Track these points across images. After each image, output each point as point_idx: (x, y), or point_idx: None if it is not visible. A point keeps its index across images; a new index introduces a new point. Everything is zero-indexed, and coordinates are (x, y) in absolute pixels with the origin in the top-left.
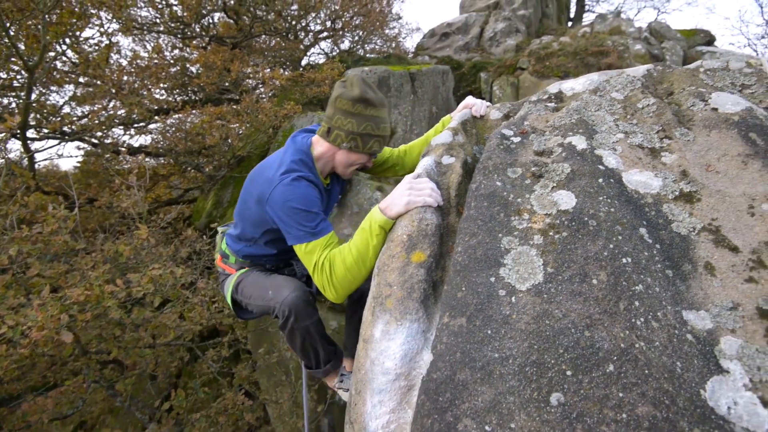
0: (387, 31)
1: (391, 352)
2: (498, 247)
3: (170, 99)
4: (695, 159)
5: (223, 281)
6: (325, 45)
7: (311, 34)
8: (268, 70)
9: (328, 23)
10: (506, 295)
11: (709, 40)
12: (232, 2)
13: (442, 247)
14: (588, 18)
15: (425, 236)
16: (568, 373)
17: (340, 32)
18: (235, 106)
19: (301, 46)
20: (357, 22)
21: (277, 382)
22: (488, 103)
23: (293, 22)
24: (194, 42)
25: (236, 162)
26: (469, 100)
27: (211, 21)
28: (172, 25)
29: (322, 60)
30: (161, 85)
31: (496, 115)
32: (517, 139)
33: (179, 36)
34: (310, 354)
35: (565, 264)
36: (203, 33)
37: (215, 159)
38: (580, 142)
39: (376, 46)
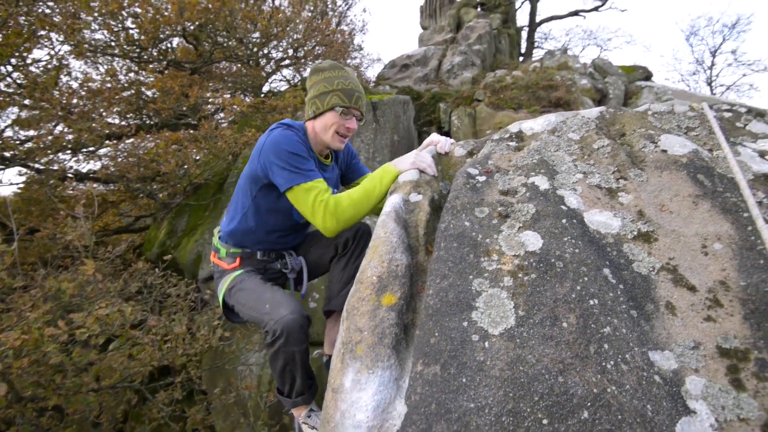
0: (349, 61)
1: (362, 403)
2: (469, 289)
3: (123, 124)
4: (650, 199)
5: (217, 279)
6: (287, 72)
7: (273, 61)
8: (229, 95)
9: (290, 51)
10: (479, 340)
11: (647, 75)
12: (192, 28)
13: (412, 287)
14: (537, 54)
15: (395, 277)
16: (545, 421)
17: (303, 60)
18: (192, 132)
19: (263, 73)
20: (319, 51)
21: (234, 424)
22: (452, 140)
23: (255, 49)
24: (151, 66)
25: (192, 189)
26: (434, 137)
27: (169, 45)
28: (128, 48)
29: (284, 87)
30: (114, 109)
31: (460, 152)
32: (482, 178)
33: (135, 60)
34: (287, 380)
35: (536, 307)
36: (161, 57)
37: (170, 186)
38: (542, 183)
39: None
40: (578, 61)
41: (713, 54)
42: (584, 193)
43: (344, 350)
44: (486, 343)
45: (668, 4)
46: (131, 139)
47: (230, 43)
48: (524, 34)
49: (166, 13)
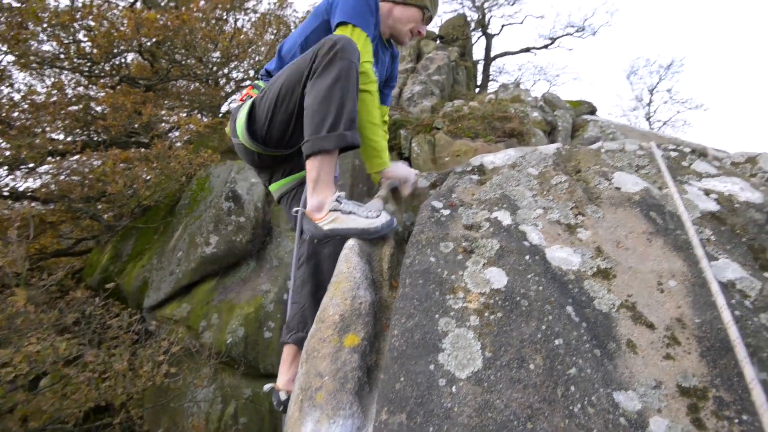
0: None
1: None
2: (435, 330)
3: (68, 140)
4: (607, 235)
5: (238, 108)
6: None
7: (233, 81)
8: (185, 114)
9: (251, 72)
10: (446, 384)
11: (592, 110)
12: (149, 44)
13: (376, 326)
14: (492, 86)
15: (359, 316)
16: None
17: None
18: (144, 151)
19: (222, 93)
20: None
21: None
22: (416, 171)
23: (214, 69)
24: (102, 81)
25: (141, 211)
26: (401, 171)
27: (123, 61)
28: (78, 61)
29: None
30: (59, 124)
31: (424, 184)
32: (446, 212)
33: (85, 74)
34: (333, 102)
35: (503, 348)
36: (113, 72)
37: (116, 207)
38: (505, 218)
39: None
40: (530, 95)
41: (651, 92)
42: (545, 228)
43: (303, 397)
44: (453, 388)
45: (611, 45)
46: (76, 157)
47: (189, 61)
48: (480, 68)
49: (122, 28)
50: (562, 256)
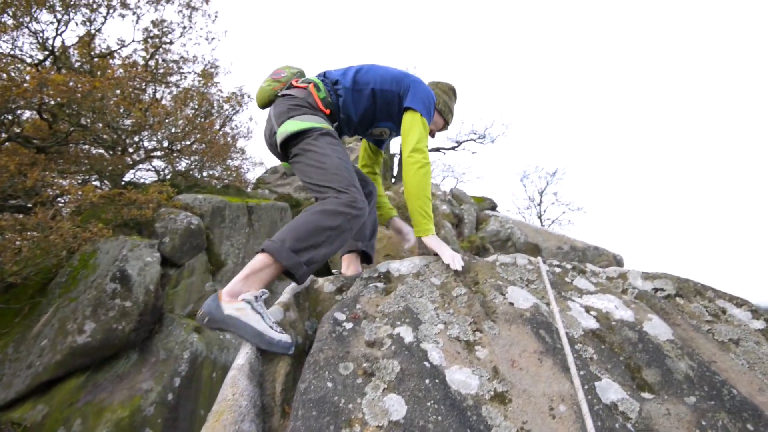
0: (229, 162)
1: None
2: None
3: None
4: (502, 354)
5: (294, 108)
6: (159, 163)
7: (144, 150)
8: (79, 181)
9: (165, 143)
10: None
11: (493, 206)
12: (51, 103)
13: None
14: None
15: None
16: None
17: (177, 155)
18: (22, 217)
19: (129, 160)
20: (198, 149)
21: None
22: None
23: (123, 136)
24: None
25: (4, 288)
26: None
27: (15, 118)
28: None
29: (151, 178)
30: None
31: (330, 288)
32: (349, 326)
33: None
34: (311, 242)
35: None
36: (2, 128)
37: None
38: (407, 334)
39: (216, 173)
40: (440, 189)
41: (540, 194)
42: (445, 346)
43: None
44: None
45: (508, 151)
46: None
47: (96, 125)
48: (396, 160)
49: (25, 85)
50: (461, 379)
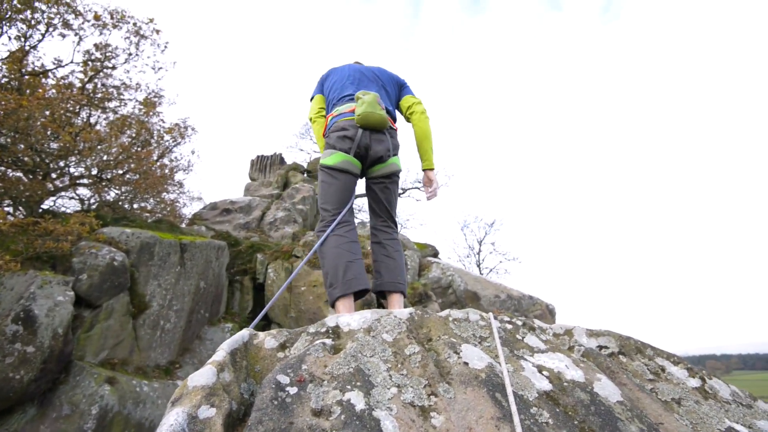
0: (165, 195)
1: None
2: None
3: None
4: (458, 421)
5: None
6: (84, 191)
7: (69, 177)
8: None
9: (94, 170)
10: None
11: (435, 253)
12: None
13: None
14: None
15: None
16: None
17: (106, 184)
18: None
19: (50, 186)
20: (131, 178)
21: None
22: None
23: (47, 160)
24: None
25: None
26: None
27: None
28: None
29: (74, 207)
30: None
31: (272, 344)
32: (293, 390)
33: None
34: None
35: None
36: None
37: None
38: (358, 401)
39: (149, 205)
40: None
41: (480, 243)
42: (399, 414)
43: None
44: None
45: (450, 200)
46: None
47: (17, 146)
48: None
49: None
50: None
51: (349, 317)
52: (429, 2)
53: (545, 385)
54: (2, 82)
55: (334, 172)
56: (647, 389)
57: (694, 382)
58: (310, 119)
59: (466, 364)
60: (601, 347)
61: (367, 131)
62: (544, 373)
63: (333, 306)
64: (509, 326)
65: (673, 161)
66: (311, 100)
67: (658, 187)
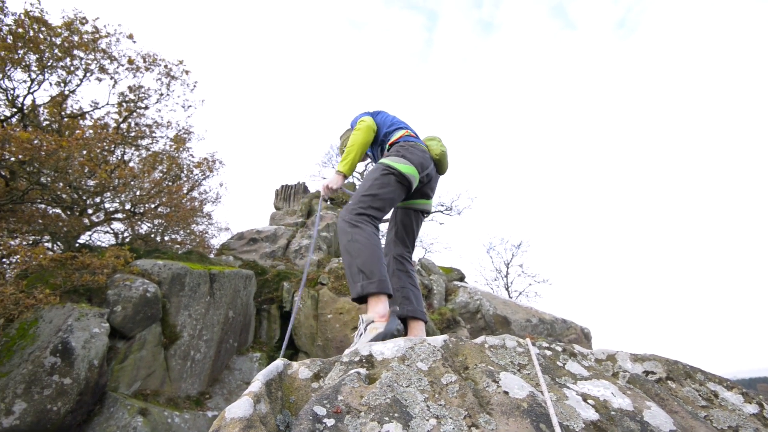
0: (194, 227)
1: None
2: None
3: None
4: None
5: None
6: (118, 225)
7: (104, 212)
8: (30, 242)
9: (128, 205)
10: None
11: (461, 277)
12: (11, 160)
13: None
14: None
15: None
16: None
17: (138, 218)
18: None
19: (87, 222)
20: (162, 212)
21: None
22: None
23: (84, 197)
24: None
25: None
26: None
27: None
28: None
29: (109, 241)
30: None
31: (306, 374)
32: (330, 422)
33: None
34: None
35: None
36: None
37: None
38: None
39: (179, 237)
40: None
41: (507, 265)
42: None
43: None
44: None
45: (474, 223)
46: None
47: (56, 185)
48: None
49: None
50: None
51: (382, 346)
52: (442, 29)
53: (591, 415)
54: (44, 125)
55: (401, 178)
56: (701, 417)
57: (752, 408)
58: (364, 122)
59: (506, 393)
60: (647, 372)
61: (435, 167)
62: (589, 401)
63: (360, 299)
64: (548, 352)
65: (706, 172)
66: (362, 114)
67: (690, 200)
